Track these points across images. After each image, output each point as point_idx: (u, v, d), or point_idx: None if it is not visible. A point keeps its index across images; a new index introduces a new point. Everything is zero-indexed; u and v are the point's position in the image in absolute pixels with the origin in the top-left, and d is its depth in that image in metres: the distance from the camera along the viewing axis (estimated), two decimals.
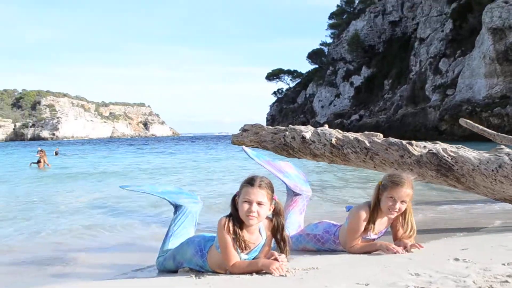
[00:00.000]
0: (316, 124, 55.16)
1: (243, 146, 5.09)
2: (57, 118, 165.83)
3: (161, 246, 3.79)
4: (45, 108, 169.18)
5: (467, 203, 7.07)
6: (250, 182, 3.11)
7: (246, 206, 3.04)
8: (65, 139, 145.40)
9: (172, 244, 3.68)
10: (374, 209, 3.55)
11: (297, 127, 6.38)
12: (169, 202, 3.96)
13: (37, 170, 18.57)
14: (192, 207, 3.91)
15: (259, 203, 3.04)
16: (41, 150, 21.01)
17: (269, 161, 4.82)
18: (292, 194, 4.52)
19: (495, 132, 5.47)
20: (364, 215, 3.58)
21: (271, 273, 2.87)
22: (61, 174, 16.18)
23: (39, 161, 20.13)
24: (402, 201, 3.46)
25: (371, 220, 3.58)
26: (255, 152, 4.96)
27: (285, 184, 4.56)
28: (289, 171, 4.76)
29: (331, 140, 5.77)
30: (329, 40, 79.48)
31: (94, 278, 3.69)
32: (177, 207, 3.90)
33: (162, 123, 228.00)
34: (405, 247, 3.44)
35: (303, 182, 4.65)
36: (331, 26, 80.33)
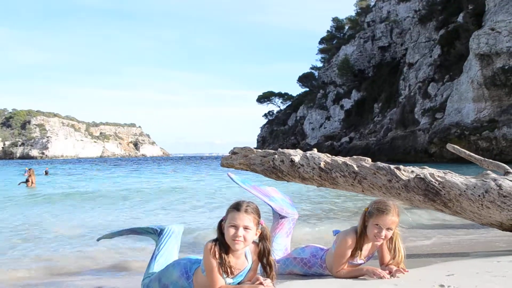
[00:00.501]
0: (307, 146, 55.45)
1: (228, 173, 5.08)
2: (47, 137, 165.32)
3: (146, 269, 3.79)
4: (35, 128, 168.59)
5: (455, 228, 7.10)
6: (236, 207, 3.11)
7: (232, 230, 3.04)
8: (55, 158, 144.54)
9: (158, 266, 3.68)
10: (361, 236, 3.56)
11: (286, 150, 6.41)
12: (153, 229, 4.03)
13: (26, 189, 18.47)
14: (175, 228, 3.97)
15: (245, 228, 3.04)
16: (29, 169, 21.04)
17: (254, 186, 4.83)
18: (278, 217, 4.53)
19: (482, 158, 5.52)
20: (351, 241, 3.58)
21: None
22: (54, 194, 16.01)
23: (27, 180, 20.13)
24: (388, 228, 3.46)
25: (358, 246, 3.58)
26: (240, 178, 4.96)
27: (271, 207, 4.56)
28: (275, 195, 4.77)
29: (320, 164, 5.80)
30: (320, 64, 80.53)
31: None
32: (161, 231, 3.94)
33: (153, 143, 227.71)
34: (390, 272, 3.45)
35: (289, 206, 4.66)
36: (321, 51, 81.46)
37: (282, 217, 4.50)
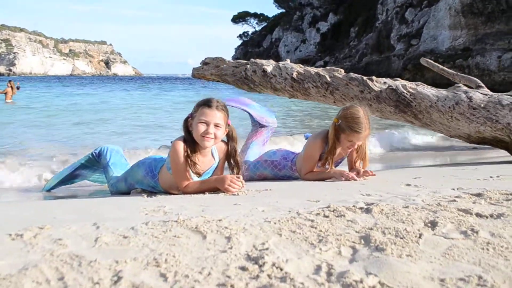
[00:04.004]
0: None
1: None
2: (14, 53, 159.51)
3: (105, 176, 3.75)
4: (0, 43, 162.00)
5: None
6: (207, 103, 3.00)
7: (202, 127, 2.94)
8: (23, 75, 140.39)
9: (116, 170, 3.66)
10: (332, 146, 3.51)
11: (258, 60, 6.27)
12: (91, 154, 3.91)
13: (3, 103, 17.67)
14: (112, 146, 3.94)
15: (216, 125, 2.96)
16: (10, 81, 19.99)
17: (228, 98, 4.66)
18: (258, 125, 4.40)
19: (454, 72, 5.49)
20: (320, 143, 3.56)
21: (224, 191, 2.84)
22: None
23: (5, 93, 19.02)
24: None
25: (329, 156, 3.54)
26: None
27: (251, 115, 4.41)
28: (250, 103, 4.64)
29: (292, 74, 5.70)
30: None
31: (54, 198, 3.68)
32: (99, 153, 3.86)
33: (125, 62, 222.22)
34: (358, 173, 3.47)
35: (268, 113, 4.53)
36: None
37: (261, 126, 4.40)
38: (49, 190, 4.05)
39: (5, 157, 5.60)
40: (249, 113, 4.37)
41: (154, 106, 17.71)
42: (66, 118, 12.13)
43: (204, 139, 2.94)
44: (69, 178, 4.03)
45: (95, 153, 3.87)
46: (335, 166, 3.71)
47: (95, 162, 3.91)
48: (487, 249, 1.49)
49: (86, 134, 8.74)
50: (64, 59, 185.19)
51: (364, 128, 3.44)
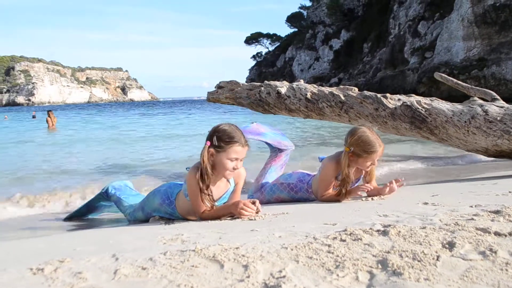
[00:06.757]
0: None
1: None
2: (32, 83, 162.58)
3: (120, 207, 3.79)
4: (20, 74, 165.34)
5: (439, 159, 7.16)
6: (238, 141, 3.01)
7: (232, 164, 2.98)
8: (41, 105, 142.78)
9: (130, 199, 3.69)
10: (345, 176, 3.50)
11: (272, 82, 6.32)
12: (101, 194, 3.99)
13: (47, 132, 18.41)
14: (119, 183, 3.98)
15: (241, 159, 3.05)
16: (48, 111, 20.84)
17: (248, 128, 4.68)
18: (277, 151, 4.41)
19: (469, 85, 5.46)
20: (334, 165, 3.56)
21: (239, 216, 2.85)
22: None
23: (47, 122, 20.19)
24: None
25: (343, 187, 3.52)
26: None
27: (268, 143, 4.41)
28: (263, 131, 4.63)
29: (306, 94, 5.73)
30: (308, 3, 78.65)
31: (74, 229, 3.70)
32: (106, 191, 3.92)
33: (140, 87, 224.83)
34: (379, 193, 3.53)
35: (281, 137, 4.53)
36: None
37: (281, 150, 4.41)
38: (67, 219, 4.11)
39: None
40: (264, 142, 4.37)
41: None
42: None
43: (231, 173, 3.03)
44: (86, 211, 4.13)
45: (103, 192, 3.94)
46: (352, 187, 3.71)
47: (106, 199, 3.98)
48: (506, 270, 1.47)
49: None
50: (81, 87, 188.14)
51: (378, 145, 3.47)
